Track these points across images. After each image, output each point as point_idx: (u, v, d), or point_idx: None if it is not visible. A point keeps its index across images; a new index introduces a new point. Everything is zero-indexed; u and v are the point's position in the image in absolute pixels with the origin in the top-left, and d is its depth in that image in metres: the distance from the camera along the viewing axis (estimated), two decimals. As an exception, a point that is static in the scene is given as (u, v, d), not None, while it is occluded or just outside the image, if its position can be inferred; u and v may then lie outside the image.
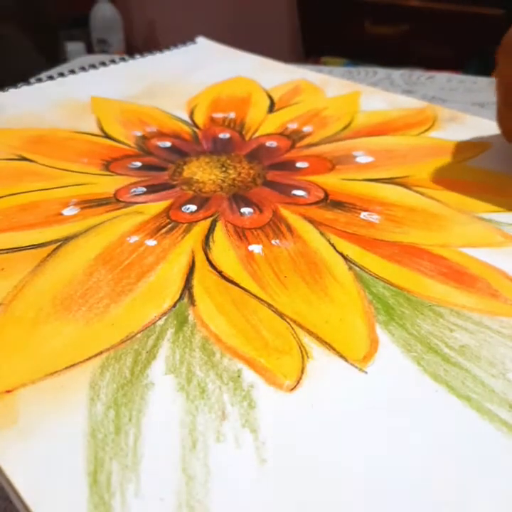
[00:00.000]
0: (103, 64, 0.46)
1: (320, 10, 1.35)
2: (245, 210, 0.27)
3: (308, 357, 0.19)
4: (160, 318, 0.20)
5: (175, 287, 0.22)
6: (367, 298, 0.21)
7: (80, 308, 0.21)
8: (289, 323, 0.20)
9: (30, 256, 0.24)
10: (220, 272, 0.23)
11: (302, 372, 0.18)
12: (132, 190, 0.29)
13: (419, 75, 0.50)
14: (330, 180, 0.30)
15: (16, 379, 0.18)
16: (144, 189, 0.29)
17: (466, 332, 0.20)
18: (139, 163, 0.32)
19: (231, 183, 0.30)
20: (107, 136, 0.35)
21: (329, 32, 1.36)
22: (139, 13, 1.85)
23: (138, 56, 0.48)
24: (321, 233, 0.25)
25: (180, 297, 0.21)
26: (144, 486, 0.15)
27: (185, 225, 0.26)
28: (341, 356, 0.19)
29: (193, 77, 0.44)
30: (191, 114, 0.38)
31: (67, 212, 0.27)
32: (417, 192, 0.29)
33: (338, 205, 0.27)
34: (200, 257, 0.24)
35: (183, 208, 0.27)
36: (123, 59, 0.47)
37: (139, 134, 0.35)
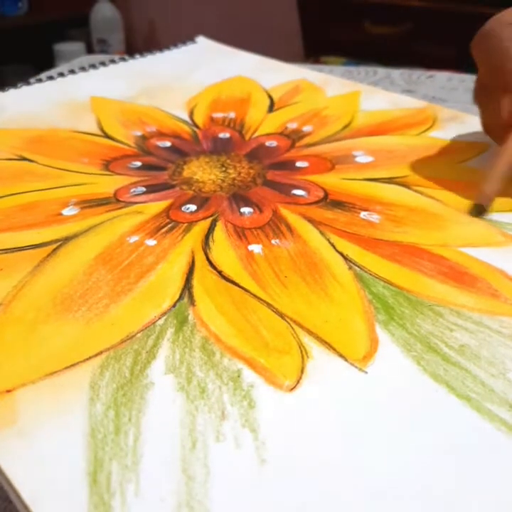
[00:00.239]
0: (103, 64, 0.46)
1: (320, 10, 1.35)
2: (245, 209, 0.27)
3: (308, 357, 0.19)
4: (160, 318, 0.20)
5: (175, 287, 0.22)
6: (367, 297, 0.21)
7: (80, 308, 0.21)
8: (288, 323, 0.20)
9: (29, 256, 0.24)
10: (219, 272, 0.23)
11: (302, 372, 0.18)
12: (132, 190, 0.29)
13: (419, 75, 0.50)
14: (330, 180, 0.30)
15: (16, 379, 0.18)
16: (144, 189, 0.29)
17: (466, 332, 0.20)
18: (138, 163, 0.32)
19: (231, 182, 0.30)
20: (107, 136, 0.35)
21: (329, 32, 1.36)
22: (139, 13, 1.85)
23: (138, 56, 0.48)
24: (321, 233, 0.25)
25: (180, 297, 0.21)
26: (144, 486, 0.15)
27: (185, 224, 0.26)
28: (341, 356, 0.19)
29: (193, 76, 0.44)
30: (191, 114, 0.38)
31: (67, 212, 0.27)
32: (417, 192, 0.29)
33: (338, 204, 0.27)
34: (200, 257, 0.24)
35: (183, 208, 0.27)
36: (123, 59, 0.47)
37: (139, 133, 0.35)
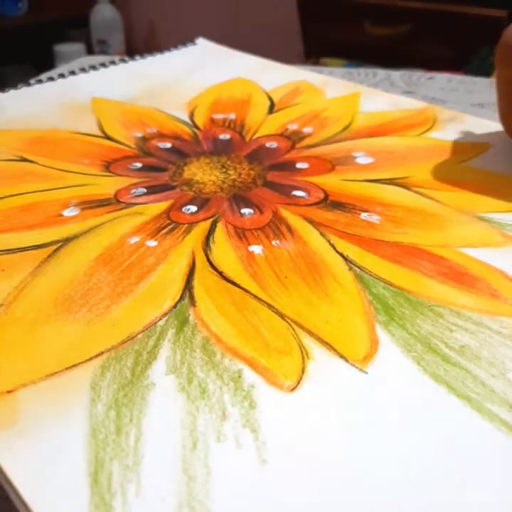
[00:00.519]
0: (103, 65, 0.46)
1: (320, 10, 1.35)
2: (245, 210, 0.27)
3: (308, 357, 0.19)
4: (161, 319, 0.20)
5: (175, 288, 0.22)
6: (367, 298, 0.21)
7: (81, 309, 0.21)
8: (289, 324, 0.20)
9: (30, 257, 0.24)
10: (220, 273, 0.23)
11: (303, 372, 0.18)
12: (132, 191, 0.29)
13: (419, 76, 0.50)
14: (330, 181, 0.30)
15: (17, 379, 0.18)
16: (145, 190, 0.29)
17: (466, 332, 0.20)
18: (139, 164, 0.32)
19: (231, 183, 0.30)
20: (108, 137, 0.35)
21: (329, 33, 1.36)
22: (139, 13, 1.85)
23: (138, 57, 0.48)
24: (321, 234, 0.25)
25: (181, 298, 0.21)
26: (145, 486, 0.15)
27: (185, 225, 0.26)
28: (342, 356, 0.19)
29: (193, 78, 0.44)
30: (191, 115, 0.38)
31: (68, 213, 0.27)
32: (416, 192, 0.29)
33: (338, 205, 0.27)
34: (200, 258, 0.24)
35: (183, 209, 0.27)
36: (123, 60, 0.47)
37: (139, 135, 0.35)
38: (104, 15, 1.65)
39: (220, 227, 0.26)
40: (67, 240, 0.25)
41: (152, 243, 0.25)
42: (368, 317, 0.21)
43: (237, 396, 0.17)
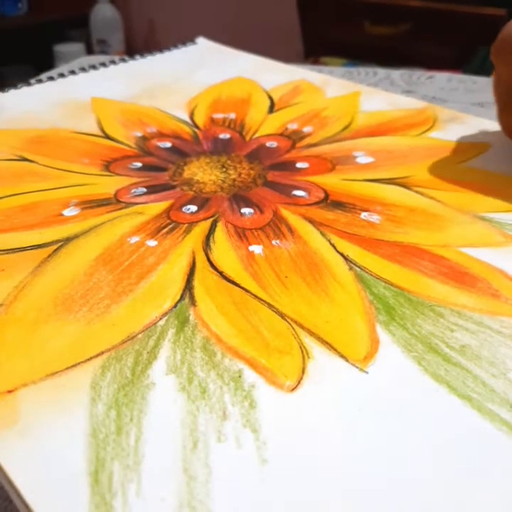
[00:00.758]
0: (103, 64, 0.46)
1: (320, 9, 1.35)
2: (246, 210, 0.27)
3: (308, 357, 0.19)
4: (161, 319, 0.20)
5: (176, 288, 0.22)
6: (367, 298, 0.21)
7: (81, 308, 0.21)
8: (289, 324, 0.20)
9: (30, 256, 0.24)
10: (220, 273, 0.23)
11: (303, 372, 0.18)
12: (133, 191, 0.29)
13: (419, 75, 0.50)
14: (330, 181, 0.30)
15: (17, 379, 0.18)
16: (145, 190, 0.29)
17: (466, 332, 0.20)
18: (139, 164, 0.32)
19: (231, 183, 0.30)
20: (108, 137, 0.35)
21: (329, 32, 1.36)
22: (139, 13, 1.85)
23: (138, 56, 0.48)
24: (322, 233, 0.25)
25: (181, 298, 0.21)
26: (145, 486, 0.15)
27: (185, 225, 0.26)
28: (342, 356, 0.19)
29: (193, 77, 0.44)
30: (191, 115, 0.38)
31: (68, 212, 0.27)
32: (417, 192, 0.29)
33: (338, 205, 0.27)
34: (200, 258, 0.24)
35: (183, 209, 0.27)
36: (123, 59, 0.47)
37: (139, 134, 0.35)
38: (104, 14, 1.66)
39: (220, 226, 0.26)
40: (67, 240, 0.25)
41: (152, 243, 0.25)
42: (369, 317, 0.21)
43: (238, 396, 0.17)
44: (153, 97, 0.40)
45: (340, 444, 0.16)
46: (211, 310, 0.21)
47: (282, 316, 0.21)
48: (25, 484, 0.15)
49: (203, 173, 0.31)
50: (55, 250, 0.24)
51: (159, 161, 0.32)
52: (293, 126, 0.36)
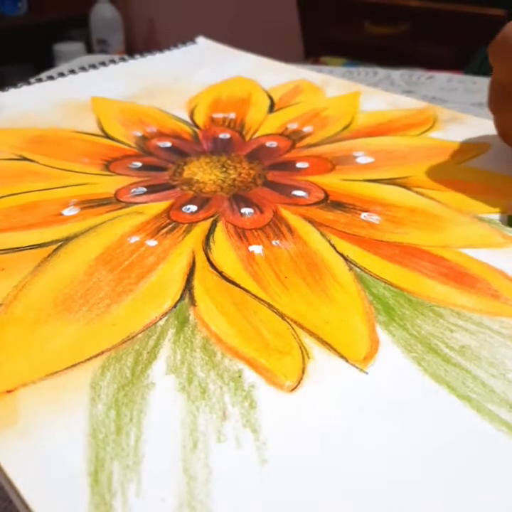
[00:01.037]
0: (103, 64, 0.46)
1: (320, 9, 1.35)
2: (246, 210, 0.27)
3: (308, 357, 0.19)
4: (161, 319, 0.20)
5: (175, 287, 0.22)
6: (367, 298, 0.21)
7: (81, 308, 0.21)
8: (289, 324, 0.20)
9: (30, 256, 0.24)
10: (220, 273, 0.23)
11: (303, 372, 0.18)
12: (132, 191, 0.29)
13: (419, 75, 0.50)
14: (330, 181, 0.30)
15: (17, 379, 0.18)
16: (145, 189, 0.29)
17: (466, 332, 0.20)
18: (139, 164, 0.32)
19: (231, 183, 0.30)
20: (107, 136, 0.35)
21: (329, 32, 1.36)
22: (139, 13, 1.85)
23: (138, 56, 0.48)
24: (322, 234, 0.25)
25: (181, 297, 0.21)
26: (145, 486, 0.15)
27: (185, 225, 0.26)
28: (342, 357, 0.19)
29: (193, 77, 0.44)
30: (191, 114, 0.38)
31: (68, 212, 0.27)
32: (417, 193, 0.29)
33: (338, 205, 0.27)
34: (200, 258, 0.24)
35: (183, 209, 0.27)
36: (123, 59, 0.47)
37: (139, 134, 0.35)
38: (104, 14, 1.65)
39: (220, 226, 0.26)
40: (67, 240, 0.25)
41: (152, 242, 0.25)
42: (369, 317, 0.21)
43: (238, 396, 0.17)
44: (153, 96, 0.40)
45: (340, 445, 0.16)
46: (211, 310, 0.21)
47: (282, 316, 0.21)
48: (25, 484, 0.15)
49: (202, 172, 0.31)
50: (55, 250, 0.24)
51: (159, 160, 0.32)
52: (293, 126, 0.36)
